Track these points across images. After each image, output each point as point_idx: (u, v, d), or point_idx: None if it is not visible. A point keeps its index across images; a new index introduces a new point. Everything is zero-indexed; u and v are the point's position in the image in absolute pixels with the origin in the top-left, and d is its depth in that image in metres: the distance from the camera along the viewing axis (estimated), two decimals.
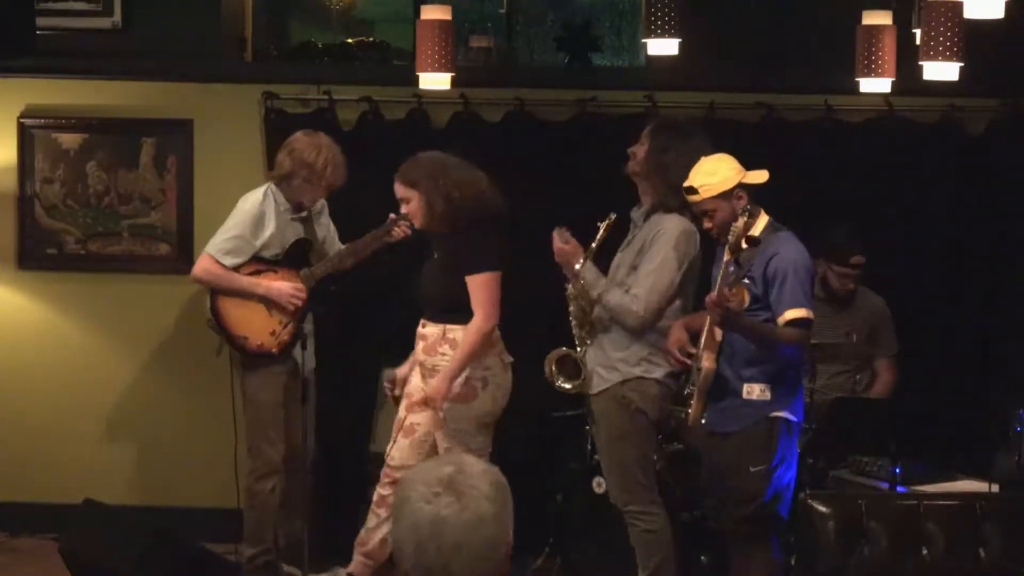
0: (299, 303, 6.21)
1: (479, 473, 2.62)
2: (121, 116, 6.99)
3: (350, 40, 7.67)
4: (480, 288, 5.64)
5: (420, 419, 5.84)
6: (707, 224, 5.35)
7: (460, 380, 5.66)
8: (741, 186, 5.27)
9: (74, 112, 7.00)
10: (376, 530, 5.95)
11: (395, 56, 7.51)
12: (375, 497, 5.98)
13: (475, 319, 5.63)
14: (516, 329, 6.28)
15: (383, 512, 5.91)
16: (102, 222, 7.02)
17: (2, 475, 7.03)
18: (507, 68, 7.77)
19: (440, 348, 5.74)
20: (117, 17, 7.00)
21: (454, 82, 5.83)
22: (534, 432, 6.52)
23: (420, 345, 5.81)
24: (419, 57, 5.54)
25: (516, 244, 5.80)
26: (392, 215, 6.09)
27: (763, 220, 5.32)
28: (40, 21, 6.30)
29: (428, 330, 5.78)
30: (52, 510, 6.66)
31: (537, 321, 6.27)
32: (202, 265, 6.24)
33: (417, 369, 5.86)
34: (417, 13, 5.61)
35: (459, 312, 5.69)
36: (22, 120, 6.99)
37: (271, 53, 7.69)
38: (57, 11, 6.93)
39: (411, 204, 5.72)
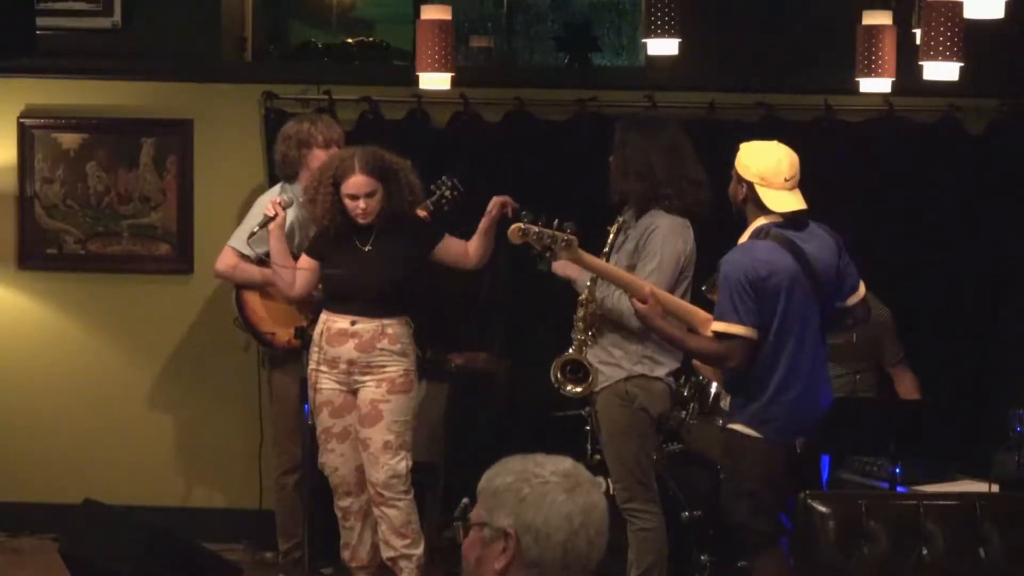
0: None
1: (574, 464, 2.78)
2: (121, 116, 6.98)
3: (350, 40, 7.67)
4: (454, 239, 5.88)
5: (350, 421, 5.85)
6: None
7: (400, 371, 5.74)
8: (745, 182, 5.09)
9: (74, 112, 7.00)
10: (360, 543, 5.97)
11: (395, 56, 7.51)
12: (338, 512, 5.97)
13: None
14: (518, 330, 6.31)
15: (354, 522, 5.94)
16: (102, 222, 7.02)
17: (2, 475, 7.03)
18: (507, 68, 7.78)
19: (379, 344, 5.75)
20: (117, 17, 6.99)
21: (454, 82, 5.83)
22: (535, 432, 6.51)
23: (348, 343, 5.76)
24: (419, 57, 5.54)
25: (515, 245, 5.75)
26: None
27: (755, 224, 5.08)
28: (40, 21, 6.29)
29: (361, 327, 5.74)
30: (52, 510, 6.66)
31: (539, 322, 6.26)
32: (221, 258, 6.23)
33: (331, 374, 5.82)
34: (417, 13, 5.61)
35: (396, 305, 5.78)
36: (22, 120, 6.99)
37: (271, 53, 7.69)
38: (57, 11, 6.92)
39: (375, 197, 5.73)
